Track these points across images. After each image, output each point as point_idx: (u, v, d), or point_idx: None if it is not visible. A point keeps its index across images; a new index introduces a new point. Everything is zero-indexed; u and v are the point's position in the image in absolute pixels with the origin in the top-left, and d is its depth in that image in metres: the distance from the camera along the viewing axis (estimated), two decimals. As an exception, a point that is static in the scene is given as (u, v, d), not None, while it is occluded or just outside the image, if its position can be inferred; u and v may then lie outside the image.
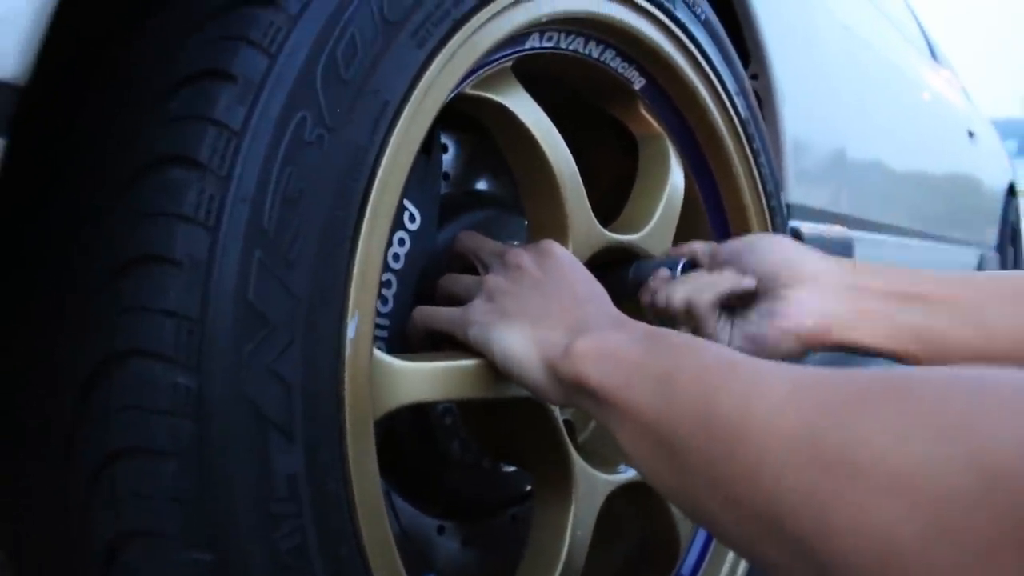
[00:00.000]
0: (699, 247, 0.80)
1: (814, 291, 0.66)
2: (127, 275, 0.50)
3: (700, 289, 0.70)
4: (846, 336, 0.64)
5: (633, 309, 0.97)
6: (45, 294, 0.55)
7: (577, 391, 0.55)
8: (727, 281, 0.69)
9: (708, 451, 0.41)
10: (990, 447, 0.30)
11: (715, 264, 0.75)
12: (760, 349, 0.67)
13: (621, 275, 0.84)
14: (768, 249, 0.70)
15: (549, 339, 0.58)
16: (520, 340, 0.60)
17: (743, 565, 0.97)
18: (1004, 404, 0.31)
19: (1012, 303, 0.61)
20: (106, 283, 0.51)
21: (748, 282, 0.69)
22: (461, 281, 0.73)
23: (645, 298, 0.77)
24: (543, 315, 0.60)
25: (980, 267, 3.07)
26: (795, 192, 1.29)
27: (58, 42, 0.48)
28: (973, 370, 0.35)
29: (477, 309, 0.65)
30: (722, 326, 0.70)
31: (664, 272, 0.78)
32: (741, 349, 0.68)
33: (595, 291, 0.63)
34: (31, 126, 0.52)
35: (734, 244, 0.75)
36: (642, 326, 0.56)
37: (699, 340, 0.52)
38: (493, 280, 0.66)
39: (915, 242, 2.13)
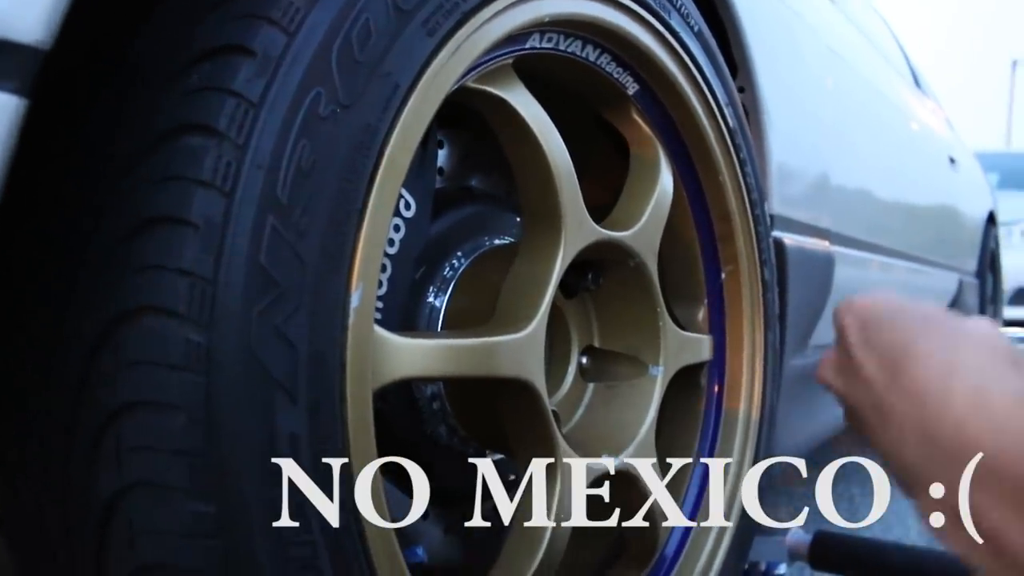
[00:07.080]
0: None
1: None
2: (145, 235, 0.52)
3: None
4: None
5: None
6: (58, 255, 0.57)
7: None
8: None
9: None
10: None
11: None
12: None
13: None
14: None
15: None
16: None
17: (720, 556, 0.99)
18: None
19: None
20: (122, 243, 0.53)
21: None
22: None
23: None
24: None
25: (959, 292, 3.12)
26: (779, 204, 1.32)
27: (83, 10, 0.50)
28: None
29: None
30: None
31: None
32: None
33: None
34: (54, 90, 0.54)
35: None
36: None
37: None
38: None
39: (898, 263, 2.17)
